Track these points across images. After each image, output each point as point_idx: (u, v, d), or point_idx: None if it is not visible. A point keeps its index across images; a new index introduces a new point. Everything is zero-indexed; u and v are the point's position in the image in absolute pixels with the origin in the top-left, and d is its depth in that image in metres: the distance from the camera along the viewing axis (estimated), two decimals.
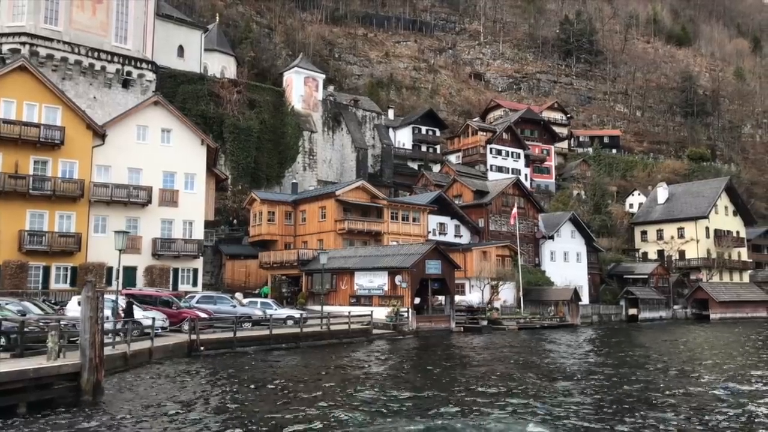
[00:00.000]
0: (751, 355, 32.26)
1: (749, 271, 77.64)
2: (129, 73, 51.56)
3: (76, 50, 48.64)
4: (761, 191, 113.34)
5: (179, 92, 56.11)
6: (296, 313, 35.17)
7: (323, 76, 72.63)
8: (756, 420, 15.73)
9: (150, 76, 52.85)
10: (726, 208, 76.49)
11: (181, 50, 60.51)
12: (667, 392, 19.51)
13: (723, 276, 72.97)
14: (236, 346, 27.70)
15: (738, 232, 76.75)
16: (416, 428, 14.16)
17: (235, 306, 34.36)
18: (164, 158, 41.67)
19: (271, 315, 31.94)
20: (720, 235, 73.87)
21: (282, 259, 47.97)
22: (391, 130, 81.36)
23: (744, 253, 76.90)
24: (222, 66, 66.55)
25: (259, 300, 38.32)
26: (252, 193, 54.48)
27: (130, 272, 38.70)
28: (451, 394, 18.73)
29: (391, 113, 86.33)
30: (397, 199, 57.67)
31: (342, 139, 71.32)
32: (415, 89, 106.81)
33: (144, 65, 52.46)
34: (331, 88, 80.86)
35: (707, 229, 73.23)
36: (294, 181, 61.80)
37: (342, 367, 24.49)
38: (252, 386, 19.44)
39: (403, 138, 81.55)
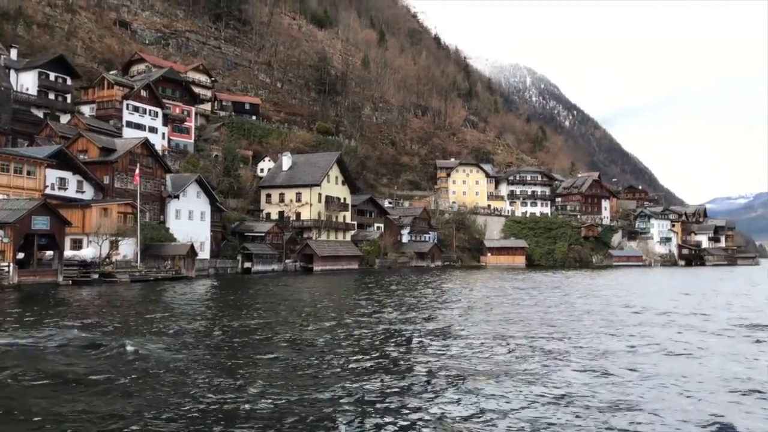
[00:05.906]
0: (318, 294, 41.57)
1: (352, 231, 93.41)
2: None
3: None
4: (372, 164, 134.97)
5: None
6: None
7: None
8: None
9: None
10: (336, 178, 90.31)
11: None
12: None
13: (330, 235, 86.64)
14: None
15: (345, 198, 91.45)
16: None
17: None
18: None
19: None
20: (330, 201, 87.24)
21: None
22: (12, 71, 74.50)
23: (348, 216, 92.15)
24: None
25: None
26: None
27: None
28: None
29: (14, 53, 78.66)
30: (8, 150, 54.60)
31: None
32: (49, 27, 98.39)
33: None
34: None
35: (320, 195, 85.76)
36: None
37: None
38: None
39: (27, 82, 75.44)
